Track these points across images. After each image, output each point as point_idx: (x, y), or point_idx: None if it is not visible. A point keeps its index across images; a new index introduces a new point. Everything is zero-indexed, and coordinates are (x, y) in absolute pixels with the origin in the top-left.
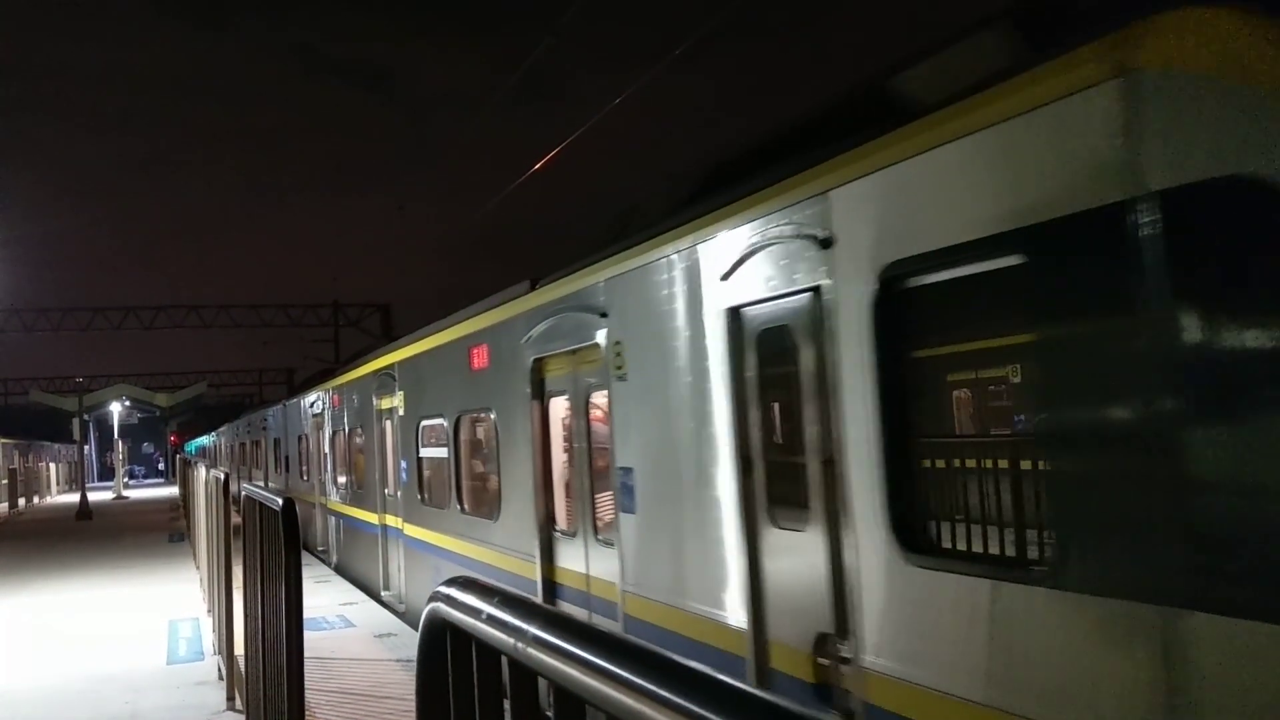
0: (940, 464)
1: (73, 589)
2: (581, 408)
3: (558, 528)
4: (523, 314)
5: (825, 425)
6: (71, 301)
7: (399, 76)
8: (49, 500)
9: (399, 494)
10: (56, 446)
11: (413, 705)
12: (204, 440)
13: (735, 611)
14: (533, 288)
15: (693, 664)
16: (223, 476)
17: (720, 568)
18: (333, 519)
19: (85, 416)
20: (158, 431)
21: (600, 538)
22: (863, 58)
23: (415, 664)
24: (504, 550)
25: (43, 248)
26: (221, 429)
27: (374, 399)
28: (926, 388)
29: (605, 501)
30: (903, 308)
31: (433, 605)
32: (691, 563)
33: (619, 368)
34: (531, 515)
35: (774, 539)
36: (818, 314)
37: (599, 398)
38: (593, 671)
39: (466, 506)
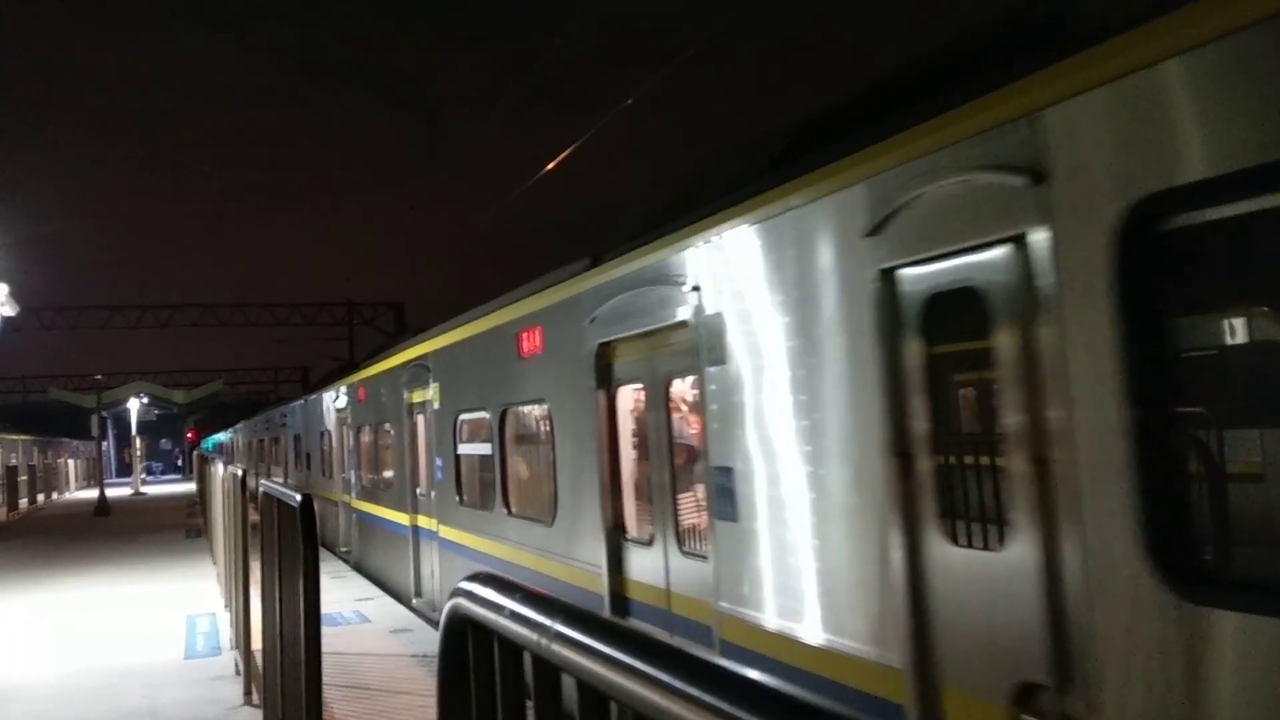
0: (1229, 466)
1: (91, 584)
2: (659, 397)
3: (629, 535)
4: (585, 293)
5: (1035, 414)
6: (89, 300)
7: (412, 78)
8: (68, 496)
9: (433, 494)
10: (75, 443)
11: (428, 700)
12: (221, 437)
13: (885, 646)
14: (595, 264)
15: (722, 662)
16: (240, 473)
17: (864, 591)
18: (357, 518)
19: (103, 413)
20: (175, 428)
21: (685, 548)
22: (878, 52)
23: (433, 660)
24: (561, 558)
25: (61, 247)
26: (238, 426)
27: (405, 392)
28: (1201, 362)
29: (689, 505)
30: (1165, 257)
31: (454, 601)
32: (820, 583)
33: (714, 349)
34: (596, 520)
35: (949, 557)
36: (1023, 270)
37: (683, 386)
38: (618, 668)
39: (514, 508)
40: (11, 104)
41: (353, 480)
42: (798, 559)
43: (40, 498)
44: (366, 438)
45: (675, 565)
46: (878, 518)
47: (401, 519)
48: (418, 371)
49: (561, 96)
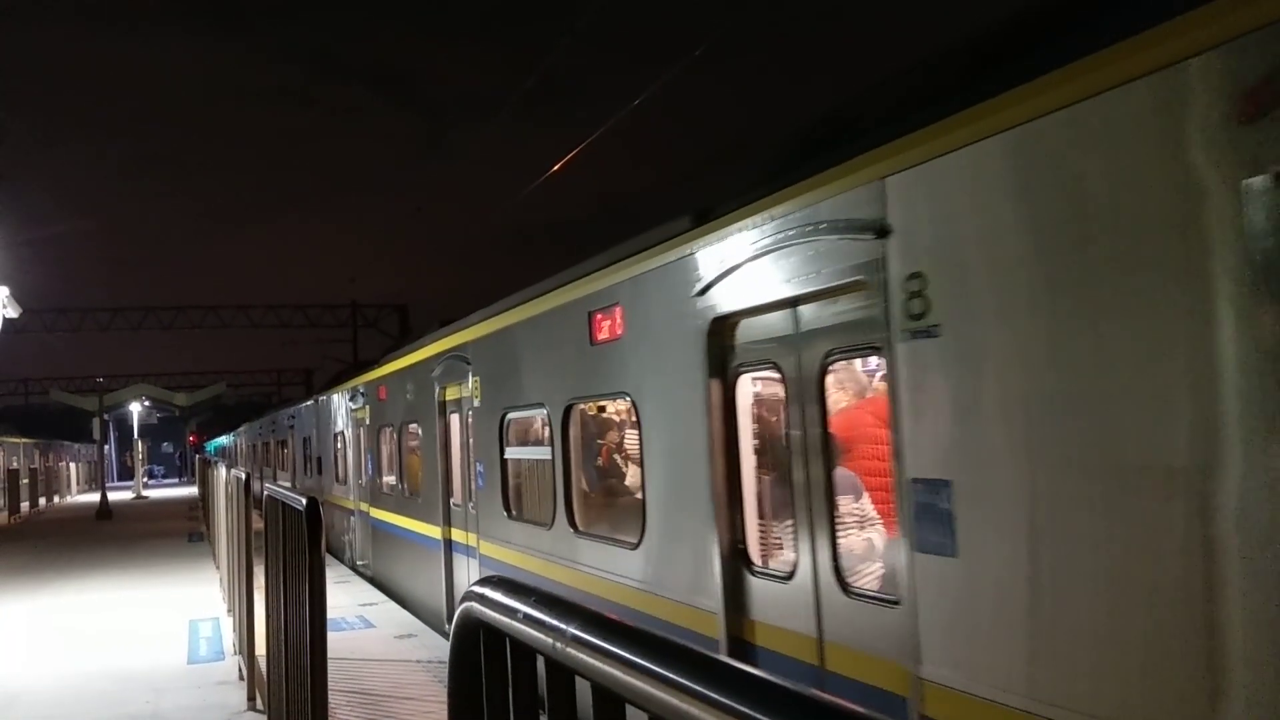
0: None
1: (93, 588)
2: (809, 384)
3: (755, 566)
4: (690, 258)
5: None
6: (91, 302)
7: (418, 79)
8: (69, 500)
9: (472, 504)
10: (76, 446)
11: (434, 706)
12: (223, 440)
13: None
14: (700, 222)
15: (739, 664)
16: (244, 476)
17: (1231, 667)
18: (375, 529)
19: (105, 416)
20: (177, 431)
21: (853, 588)
22: (880, 57)
23: (439, 665)
24: (649, 589)
25: (62, 248)
26: (241, 428)
27: (436, 388)
28: None
29: (859, 531)
30: None
31: (466, 605)
32: (1144, 655)
33: (918, 316)
34: (705, 544)
35: None
36: None
37: (850, 370)
38: (635, 671)
39: (582, 525)
40: (14, 105)
41: (370, 487)
42: (1072, 614)
43: (42, 501)
44: (388, 440)
45: (834, 609)
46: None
47: (431, 532)
48: (453, 364)
49: (569, 96)
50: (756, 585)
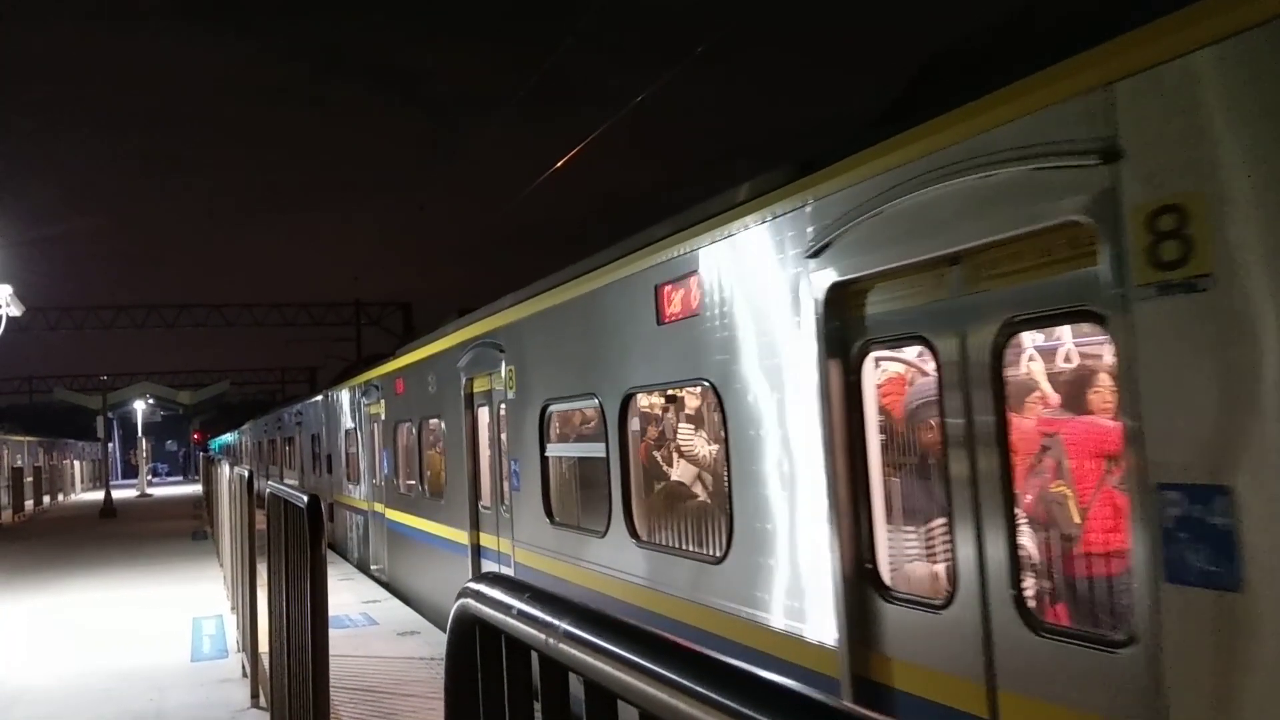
0: None
1: (97, 586)
2: (978, 363)
3: (887, 589)
4: (802, 211)
5: None
6: (95, 300)
7: (421, 77)
8: (73, 498)
9: (505, 507)
10: (80, 444)
11: (435, 703)
12: (228, 438)
13: None
14: (808, 170)
15: (730, 660)
16: (247, 474)
17: None
18: (390, 531)
19: (109, 414)
20: (181, 429)
21: (1044, 626)
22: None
23: (441, 662)
24: (741, 613)
25: (66, 247)
26: (246, 426)
27: (463, 379)
28: None
29: (1053, 551)
30: None
31: (462, 602)
32: None
33: (1173, 264)
34: (814, 560)
35: None
36: None
37: (1038, 340)
38: (626, 666)
39: (644, 533)
40: (18, 103)
41: (386, 487)
42: None
43: (46, 499)
44: (406, 437)
45: (1014, 648)
46: None
47: (456, 536)
48: (483, 353)
49: (572, 95)
50: (893, 614)
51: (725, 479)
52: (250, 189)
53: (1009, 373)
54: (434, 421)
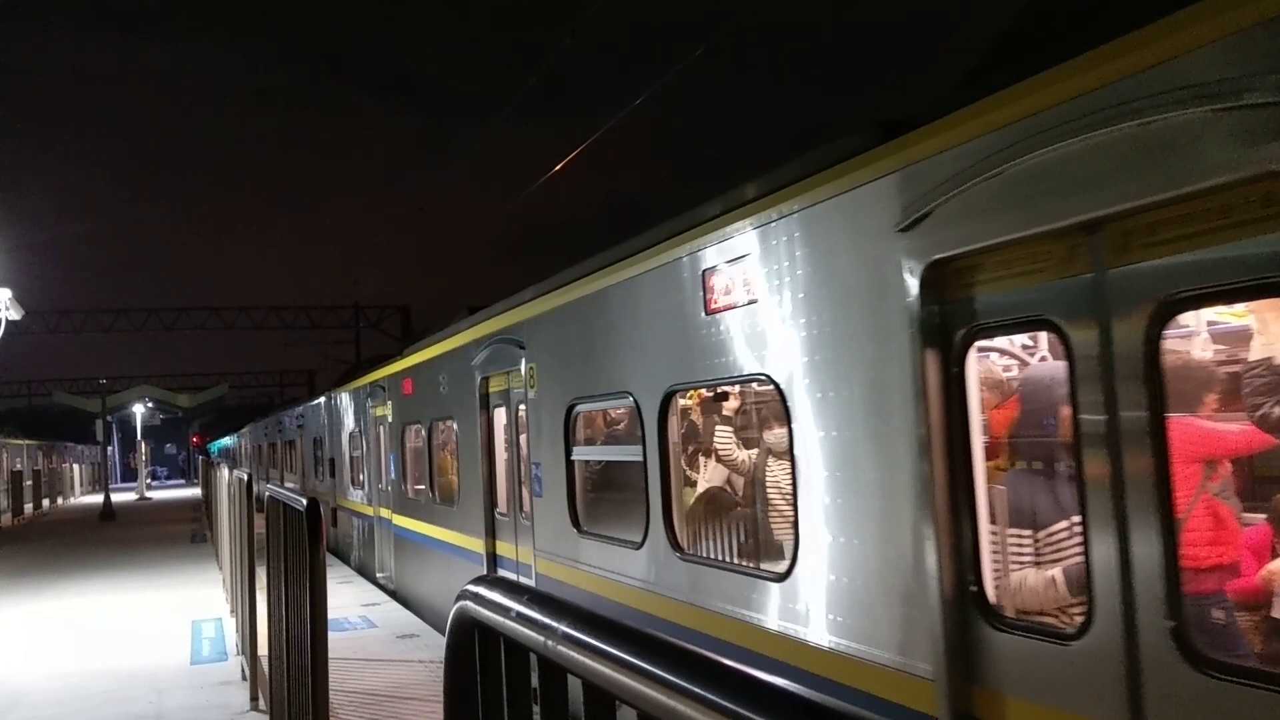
0: None
1: (96, 589)
2: (1129, 350)
3: (1001, 614)
4: (889, 180)
5: None
6: (94, 303)
7: (420, 79)
8: (72, 501)
9: (522, 515)
10: (80, 447)
11: (435, 706)
12: (227, 441)
13: None
14: (891, 134)
15: (726, 661)
16: (246, 477)
17: None
18: (399, 539)
19: (108, 418)
20: (180, 432)
21: (1213, 664)
22: (881, 58)
23: (440, 665)
24: (812, 636)
25: (65, 250)
26: (245, 429)
27: (478, 378)
28: None
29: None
30: None
31: (461, 604)
32: None
33: None
34: (910, 579)
35: None
36: None
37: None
38: (624, 668)
39: (687, 545)
40: (17, 108)
41: (393, 492)
42: None
43: (45, 503)
44: (415, 440)
45: (1171, 688)
46: None
47: (470, 545)
48: (500, 350)
49: (571, 96)
50: (1005, 644)
51: (789, 485)
52: (249, 192)
53: (1172, 360)
54: (445, 423)
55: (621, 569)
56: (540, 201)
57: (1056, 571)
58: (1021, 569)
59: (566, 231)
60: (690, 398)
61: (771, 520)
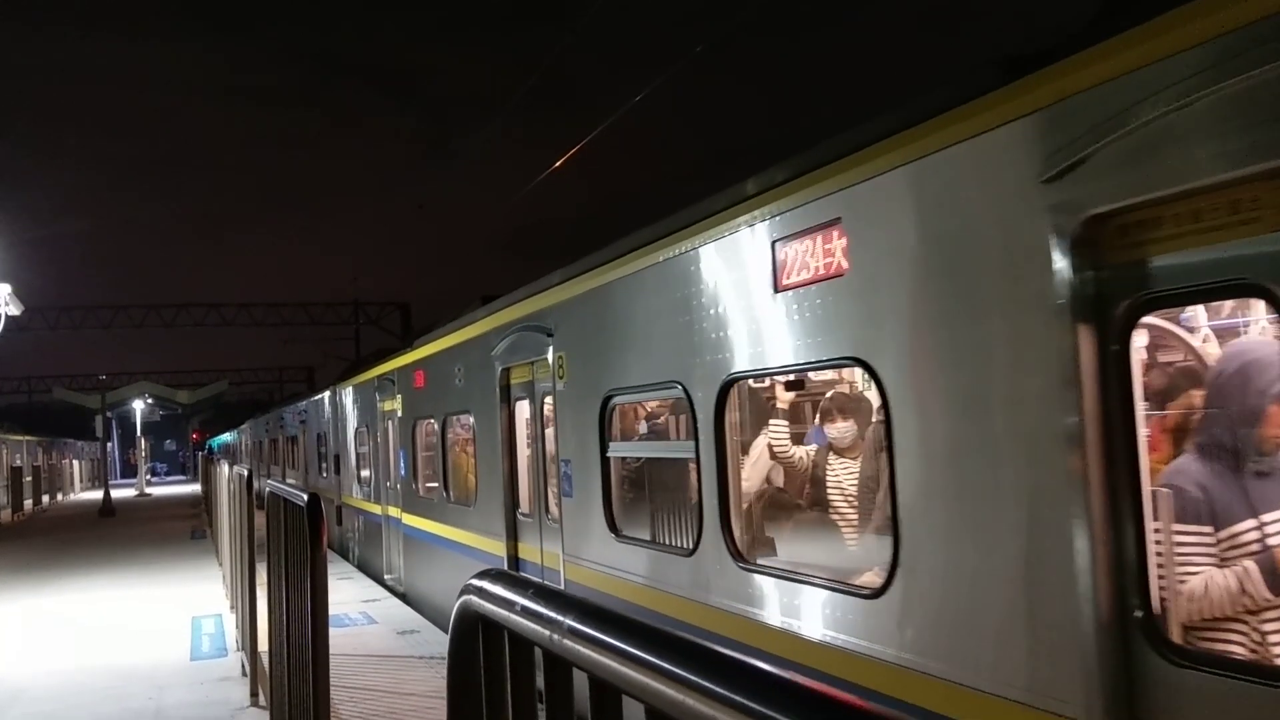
0: None
1: (96, 586)
2: None
3: (1184, 648)
4: (1036, 119)
5: None
6: (94, 299)
7: (420, 77)
8: (72, 497)
9: (549, 516)
10: (79, 444)
11: (435, 702)
12: (227, 437)
13: None
14: (1023, 70)
15: (734, 655)
16: (246, 473)
17: None
18: (408, 539)
19: (108, 414)
20: (180, 428)
21: None
22: (880, 55)
23: (441, 661)
24: (922, 665)
25: (65, 246)
26: (246, 425)
27: (498, 369)
28: None
29: None
30: None
31: (464, 599)
32: None
33: None
34: (1053, 602)
35: None
36: None
37: None
38: (632, 662)
39: (748, 553)
40: (16, 104)
41: (403, 490)
42: None
43: (45, 499)
44: (427, 434)
45: None
46: None
47: (489, 547)
48: (524, 338)
49: (569, 95)
50: (1185, 682)
51: (888, 486)
52: (249, 190)
53: None
54: (461, 417)
55: (669, 578)
56: (539, 200)
57: (1249, 568)
58: (1197, 577)
59: (566, 230)
60: (764, 384)
61: (850, 525)
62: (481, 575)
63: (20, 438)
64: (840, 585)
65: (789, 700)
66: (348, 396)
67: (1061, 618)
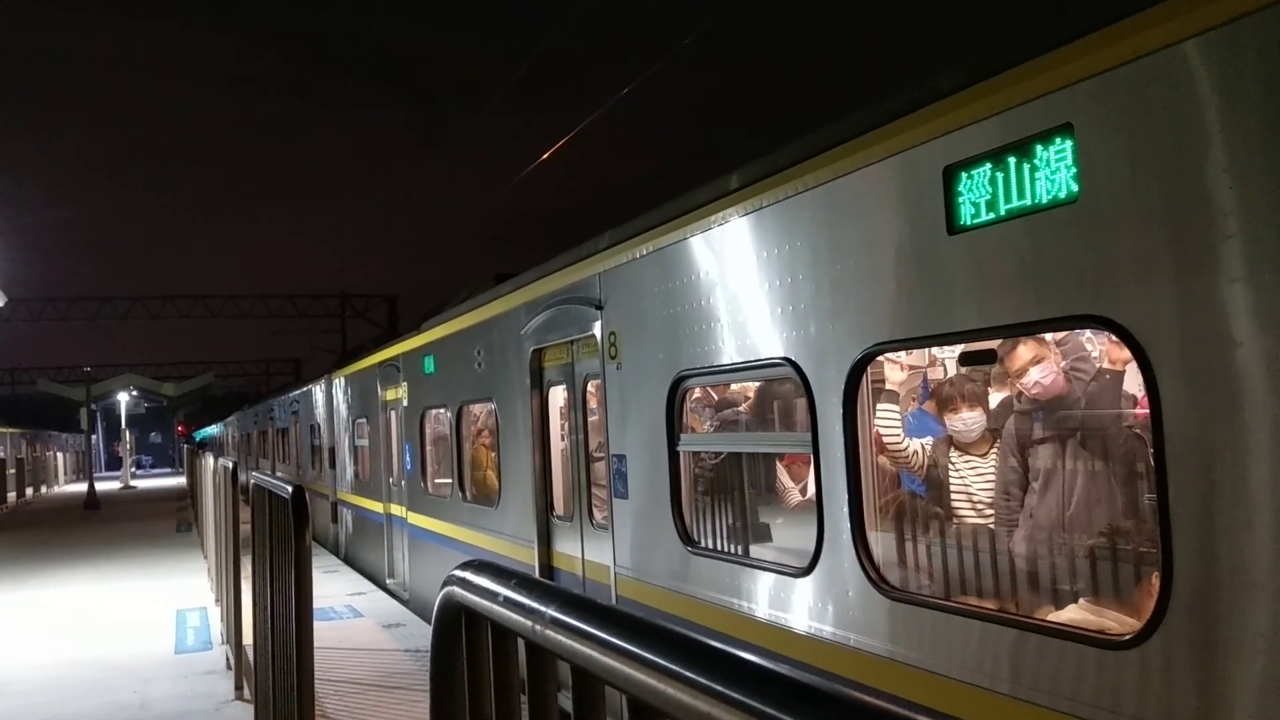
0: None
1: (80, 579)
2: None
3: None
4: None
5: None
6: (78, 291)
7: (409, 67)
8: (56, 490)
9: (593, 521)
10: (64, 436)
11: (420, 695)
12: (213, 429)
13: None
14: None
15: (713, 643)
16: (231, 465)
17: None
18: (415, 540)
19: (93, 406)
20: (165, 421)
21: None
22: (874, 48)
23: (426, 654)
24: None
25: (50, 237)
26: (233, 417)
27: (528, 350)
28: None
29: None
30: None
31: (447, 589)
32: None
33: None
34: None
35: None
36: None
37: None
38: (612, 652)
39: (896, 578)
40: (2, 92)
41: (409, 486)
42: None
43: (29, 491)
44: (437, 426)
45: None
46: None
47: (513, 553)
48: (564, 313)
49: (559, 85)
50: None
51: (1166, 493)
52: (236, 179)
53: None
54: (480, 406)
55: (772, 604)
56: (529, 189)
57: None
58: None
59: (555, 222)
60: (929, 357)
61: (1045, 544)
62: (464, 566)
63: (4, 430)
64: (1060, 628)
65: (769, 689)
66: (345, 385)
67: None
